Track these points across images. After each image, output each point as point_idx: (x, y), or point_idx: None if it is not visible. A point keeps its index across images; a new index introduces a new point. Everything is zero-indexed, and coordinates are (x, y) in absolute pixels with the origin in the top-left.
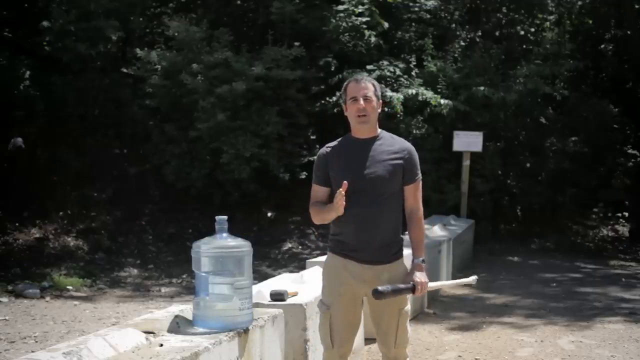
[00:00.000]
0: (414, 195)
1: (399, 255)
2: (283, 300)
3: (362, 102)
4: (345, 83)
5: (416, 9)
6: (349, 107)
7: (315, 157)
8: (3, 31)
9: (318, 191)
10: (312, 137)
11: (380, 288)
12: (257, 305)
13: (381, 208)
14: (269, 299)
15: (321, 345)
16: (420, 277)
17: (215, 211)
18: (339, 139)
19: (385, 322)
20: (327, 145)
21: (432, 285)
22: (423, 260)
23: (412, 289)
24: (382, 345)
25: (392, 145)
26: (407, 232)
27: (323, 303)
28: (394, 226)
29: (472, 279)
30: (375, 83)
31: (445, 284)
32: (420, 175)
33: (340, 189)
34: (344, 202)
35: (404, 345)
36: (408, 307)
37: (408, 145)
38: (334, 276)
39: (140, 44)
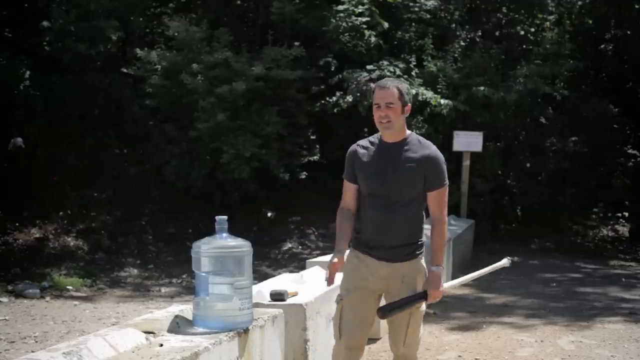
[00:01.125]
0: (437, 202)
1: (414, 255)
2: (283, 300)
3: (384, 108)
4: (373, 87)
5: (416, 9)
6: (374, 112)
7: (315, 157)
8: (3, 31)
9: (347, 187)
10: (312, 137)
11: (383, 307)
12: (257, 305)
13: (396, 213)
14: (269, 299)
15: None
16: (434, 285)
17: (215, 211)
18: (370, 138)
19: (397, 320)
20: (358, 142)
21: (457, 281)
22: (438, 268)
23: (424, 297)
24: (393, 344)
25: (416, 151)
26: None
27: (339, 295)
28: (411, 229)
29: (505, 261)
30: (402, 87)
31: (474, 276)
32: (445, 182)
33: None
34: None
35: (414, 347)
36: (423, 307)
37: (433, 151)
38: (353, 270)
39: (140, 44)
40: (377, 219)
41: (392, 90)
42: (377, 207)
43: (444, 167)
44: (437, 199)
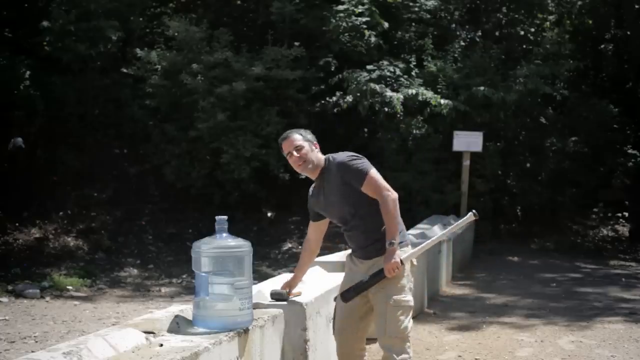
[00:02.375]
0: (372, 190)
1: (384, 250)
2: (283, 300)
3: (295, 153)
4: (279, 143)
5: (416, 9)
6: (290, 162)
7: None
8: (3, 31)
9: (310, 225)
10: None
11: (344, 291)
12: (257, 305)
13: (356, 224)
14: (270, 299)
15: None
16: (387, 258)
17: (215, 211)
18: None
19: (377, 309)
20: (310, 187)
21: (419, 247)
22: (391, 243)
23: (381, 273)
24: (376, 332)
25: (331, 172)
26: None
27: (338, 293)
28: (375, 228)
29: (470, 214)
30: (302, 131)
31: (438, 238)
32: (366, 171)
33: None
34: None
35: (397, 337)
36: (401, 297)
37: (338, 161)
38: (347, 272)
39: (140, 44)
40: (347, 235)
41: (294, 135)
42: (342, 225)
43: (356, 160)
44: (371, 188)
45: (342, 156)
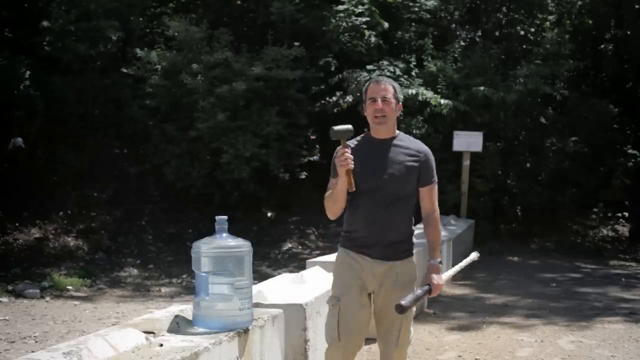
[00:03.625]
0: (430, 197)
1: (409, 253)
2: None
3: (380, 103)
4: (366, 84)
5: (416, 9)
6: (367, 107)
7: (315, 157)
8: (3, 31)
9: (333, 183)
10: (312, 137)
11: (403, 302)
12: (257, 305)
13: (394, 208)
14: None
15: (325, 343)
16: (436, 279)
17: (215, 211)
18: (358, 138)
19: (389, 320)
20: (347, 141)
21: (446, 275)
22: (440, 262)
23: (429, 291)
24: (383, 344)
25: (408, 147)
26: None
27: (333, 297)
28: (406, 226)
29: (474, 255)
30: (396, 85)
31: (453, 271)
32: (436, 178)
33: (340, 147)
34: (348, 157)
35: (406, 347)
36: (413, 309)
37: (425, 148)
38: (346, 269)
39: (140, 44)
40: (374, 216)
41: (387, 85)
42: (373, 204)
43: (435, 163)
44: (430, 194)
45: (426, 147)
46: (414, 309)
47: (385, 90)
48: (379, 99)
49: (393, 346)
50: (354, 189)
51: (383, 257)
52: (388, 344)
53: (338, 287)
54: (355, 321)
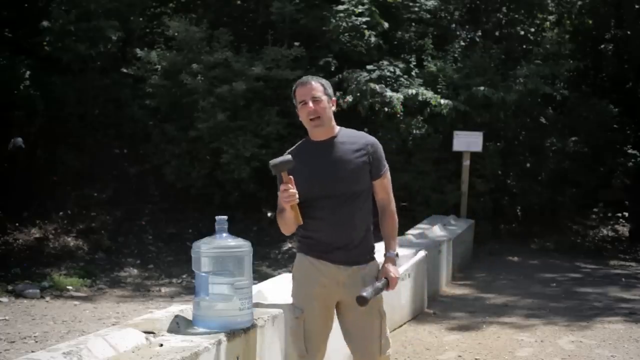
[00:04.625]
0: (384, 188)
1: (373, 255)
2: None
3: (311, 104)
4: (294, 88)
5: (416, 9)
6: (300, 111)
7: None
8: (3, 31)
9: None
10: None
11: (364, 294)
12: (257, 305)
13: (355, 207)
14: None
15: (295, 354)
16: (393, 271)
17: (215, 211)
18: (298, 144)
19: (367, 329)
20: (286, 152)
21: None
22: (397, 255)
23: (387, 285)
24: (363, 356)
25: (354, 142)
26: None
27: (296, 307)
28: (366, 224)
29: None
30: (324, 82)
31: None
32: (387, 167)
33: (285, 183)
34: (292, 194)
35: (388, 350)
36: (383, 307)
37: (371, 139)
38: (306, 278)
39: (140, 44)
40: (334, 219)
41: (315, 84)
42: (329, 207)
43: (383, 151)
44: (383, 185)
45: (373, 138)
46: (384, 311)
47: (314, 89)
48: (310, 101)
49: (376, 355)
50: (302, 222)
51: (346, 261)
52: (371, 354)
53: (300, 298)
54: (319, 335)
